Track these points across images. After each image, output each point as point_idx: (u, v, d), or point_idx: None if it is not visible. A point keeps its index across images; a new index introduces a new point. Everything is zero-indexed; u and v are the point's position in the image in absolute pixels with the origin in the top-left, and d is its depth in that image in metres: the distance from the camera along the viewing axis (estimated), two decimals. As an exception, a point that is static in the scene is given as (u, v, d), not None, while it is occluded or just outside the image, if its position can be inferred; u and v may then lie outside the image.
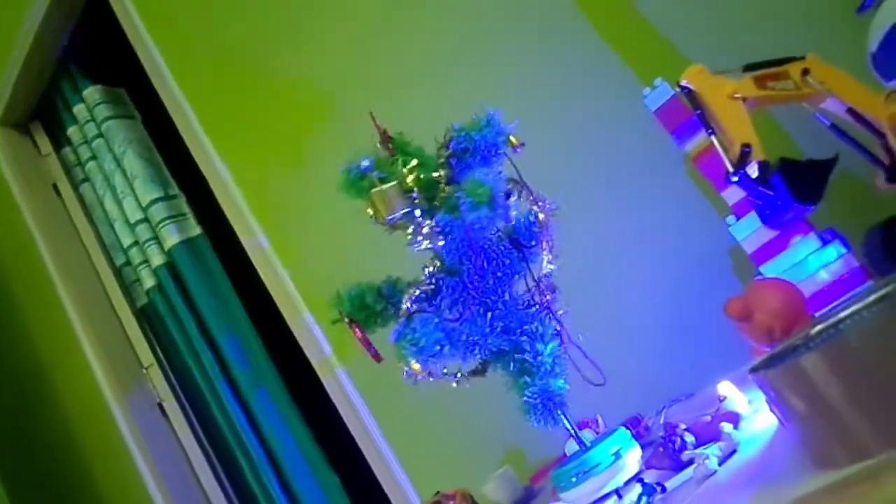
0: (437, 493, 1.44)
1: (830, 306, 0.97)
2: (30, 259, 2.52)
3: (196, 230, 2.42)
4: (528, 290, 1.04)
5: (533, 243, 1.06)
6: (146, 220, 2.44)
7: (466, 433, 1.71)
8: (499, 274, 1.05)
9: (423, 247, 0.97)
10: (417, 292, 1.02)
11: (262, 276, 2.00)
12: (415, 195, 0.97)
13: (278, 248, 1.97)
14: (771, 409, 0.69)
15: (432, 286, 1.02)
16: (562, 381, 1.01)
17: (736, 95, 0.91)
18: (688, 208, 1.33)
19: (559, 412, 1.01)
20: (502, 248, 1.05)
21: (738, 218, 1.10)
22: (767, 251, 1.07)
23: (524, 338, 1.03)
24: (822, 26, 1.17)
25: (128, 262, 2.55)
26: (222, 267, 2.39)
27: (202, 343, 2.34)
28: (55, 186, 2.67)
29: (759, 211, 0.91)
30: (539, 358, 1.00)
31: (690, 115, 1.12)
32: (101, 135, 2.52)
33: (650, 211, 1.36)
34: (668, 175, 1.33)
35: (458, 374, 1.06)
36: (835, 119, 0.94)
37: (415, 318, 1.00)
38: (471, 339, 1.01)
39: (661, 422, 1.14)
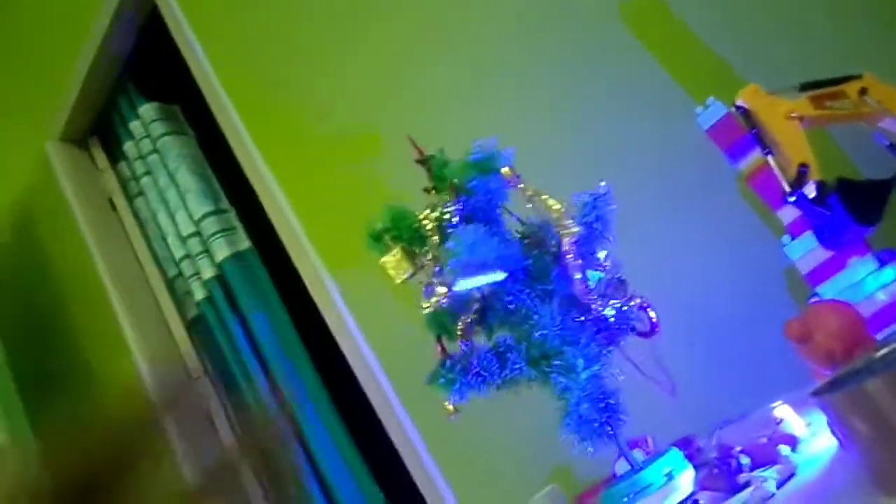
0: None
1: (890, 328, 0.95)
2: (85, 272, 2.60)
3: (246, 244, 2.47)
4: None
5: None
6: (198, 233, 2.50)
7: (512, 449, 1.71)
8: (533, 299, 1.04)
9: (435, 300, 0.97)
10: (466, 322, 1.04)
11: (311, 292, 2.03)
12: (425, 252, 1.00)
13: (328, 260, 2.00)
14: (832, 433, 0.68)
15: (477, 315, 1.04)
16: (594, 406, 1.00)
17: (792, 115, 0.91)
18: (741, 227, 1.32)
19: (609, 430, 1.01)
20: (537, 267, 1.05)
21: (794, 237, 1.08)
22: (823, 272, 1.06)
23: (556, 364, 1.02)
24: (878, 44, 1.16)
25: (179, 274, 2.61)
26: (270, 279, 2.43)
27: (249, 354, 2.38)
28: (111, 200, 2.75)
29: (816, 231, 0.90)
30: (573, 384, 0.99)
31: (743, 133, 1.11)
32: (155, 150, 2.60)
33: (703, 230, 1.36)
34: (720, 194, 1.33)
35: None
36: (893, 138, 0.93)
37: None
38: (504, 374, 1.02)
39: (714, 443, 1.13)
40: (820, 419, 0.88)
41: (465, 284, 0.93)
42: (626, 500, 0.96)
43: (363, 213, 1.89)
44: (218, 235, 2.45)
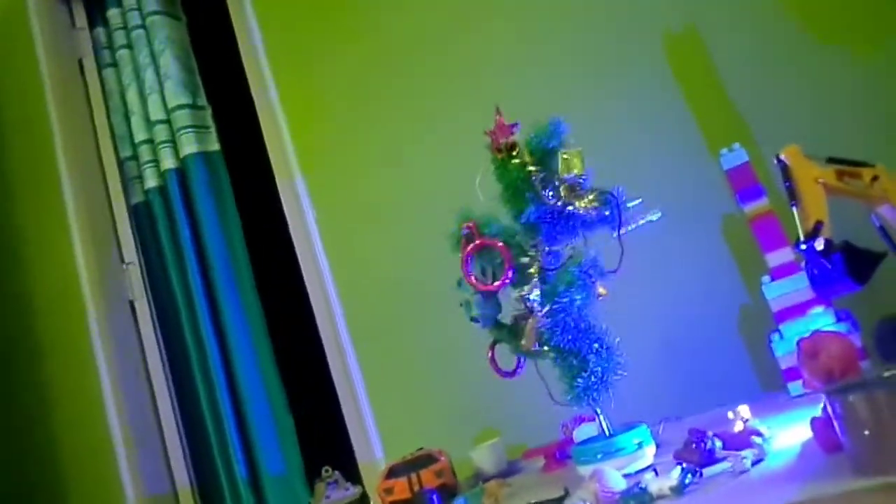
0: (421, 448, 1.57)
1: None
2: (38, 127, 2.49)
3: (215, 145, 2.46)
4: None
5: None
6: (168, 121, 2.45)
7: (448, 403, 1.85)
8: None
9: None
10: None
11: (284, 204, 2.09)
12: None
13: (308, 175, 2.07)
14: (811, 426, 0.87)
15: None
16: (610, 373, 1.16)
17: (820, 180, 1.10)
18: (717, 261, 1.52)
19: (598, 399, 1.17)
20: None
21: (773, 279, 1.29)
22: (789, 313, 1.27)
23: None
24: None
25: (133, 157, 2.55)
26: (232, 189, 2.44)
27: (191, 254, 2.37)
28: (80, 62, 2.64)
29: (811, 277, 1.09)
30: (595, 351, 1.15)
31: (756, 181, 1.31)
32: (143, 26, 2.52)
33: (688, 255, 1.54)
34: (708, 231, 1.53)
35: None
36: (885, 223, 1.14)
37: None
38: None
39: (660, 432, 1.31)
40: (777, 422, 1.07)
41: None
42: (599, 457, 1.12)
43: (368, 159, 1.98)
44: (189, 130, 2.42)
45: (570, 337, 1.10)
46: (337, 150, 2.07)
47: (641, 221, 1.13)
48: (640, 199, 1.16)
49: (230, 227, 2.40)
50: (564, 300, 1.08)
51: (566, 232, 1.15)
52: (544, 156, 1.14)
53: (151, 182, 2.49)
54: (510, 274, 1.14)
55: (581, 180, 1.11)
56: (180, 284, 2.38)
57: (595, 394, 1.13)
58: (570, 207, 1.10)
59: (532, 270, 1.15)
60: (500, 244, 1.16)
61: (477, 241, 1.17)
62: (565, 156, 1.10)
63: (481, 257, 1.20)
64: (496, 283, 1.15)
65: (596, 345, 1.14)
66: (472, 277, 1.18)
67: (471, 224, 1.18)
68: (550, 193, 1.11)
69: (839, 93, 1.44)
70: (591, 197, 1.11)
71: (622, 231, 1.13)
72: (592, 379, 1.13)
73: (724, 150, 1.34)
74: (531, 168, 1.13)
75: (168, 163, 2.44)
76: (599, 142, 1.65)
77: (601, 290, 1.13)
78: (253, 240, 2.40)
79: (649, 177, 1.59)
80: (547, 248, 1.16)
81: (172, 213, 2.42)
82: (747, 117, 1.50)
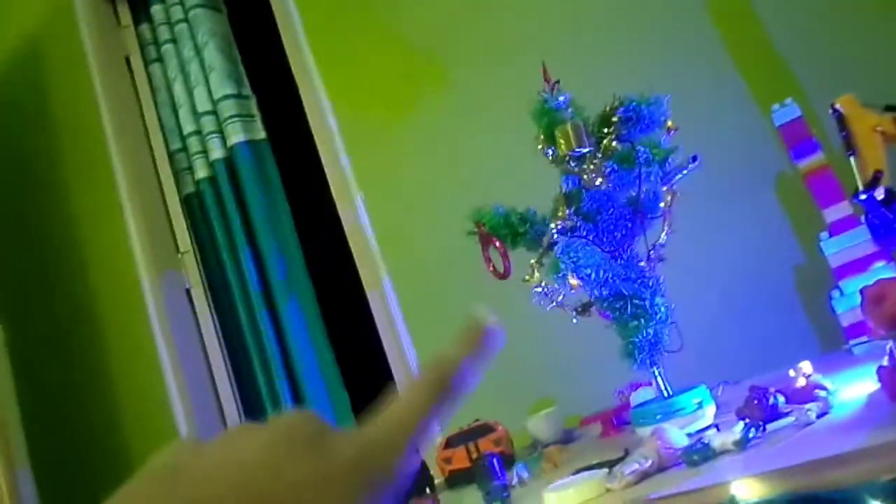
0: (477, 419, 1.59)
1: None
2: (90, 125, 2.57)
3: (261, 134, 2.50)
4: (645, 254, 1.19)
5: (658, 215, 1.21)
6: (214, 112, 2.50)
7: (502, 375, 1.86)
8: (623, 232, 1.19)
9: (593, 182, 1.09)
10: (561, 224, 1.16)
11: (332, 188, 2.12)
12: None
13: (357, 170, 2.09)
14: (880, 378, 0.85)
15: (573, 223, 1.16)
16: (664, 334, 1.16)
17: (878, 128, 1.07)
18: (770, 222, 1.49)
19: (657, 359, 1.16)
20: (627, 211, 1.19)
21: (832, 235, 1.26)
22: (849, 269, 1.24)
23: (642, 287, 1.17)
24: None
25: (183, 149, 2.61)
26: (280, 176, 2.48)
27: (244, 241, 2.43)
28: (127, 59, 2.71)
29: (872, 228, 1.07)
30: (654, 307, 1.14)
31: (810, 135, 1.28)
32: (185, 20, 2.57)
33: (741, 219, 1.52)
34: (762, 191, 1.50)
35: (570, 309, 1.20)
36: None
37: (576, 242, 1.13)
38: (605, 275, 1.14)
39: (719, 394, 1.30)
40: (841, 379, 1.06)
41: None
42: (659, 417, 1.12)
43: (408, 142, 2.00)
44: (235, 119, 2.47)
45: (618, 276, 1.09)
46: (382, 134, 2.08)
47: (684, 172, 1.11)
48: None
49: (279, 213, 2.45)
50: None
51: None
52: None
53: (201, 173, 2.55)
54: (508, 266, 1.15)
55: (583, 152, 1.08)
56: (234, 271, 2.44)
57: (652, 353, 1.12)
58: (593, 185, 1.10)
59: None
60: (497, 242, 1.16)
61: (484, 238, 1.19)
62: (558, 133, 1.08)
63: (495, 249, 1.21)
64: (501, 272, 1.17)
65: (658, 298, 1.13)
66: (491, 267, 1.20)
67: (480, 226, 1.19)
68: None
69: (892, 40, 1.39)
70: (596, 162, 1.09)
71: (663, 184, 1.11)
72: (649, 335, 1.12)
73: (776, 106, 1.32)
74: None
75: (217, 153, 2.49)
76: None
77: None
78: (302, 226, 2.45)
79: (698, 137, 1.57)
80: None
81: (223, 202, 2.48)
82: (797, 71, 1.47)
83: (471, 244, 1.65)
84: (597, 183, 1.09)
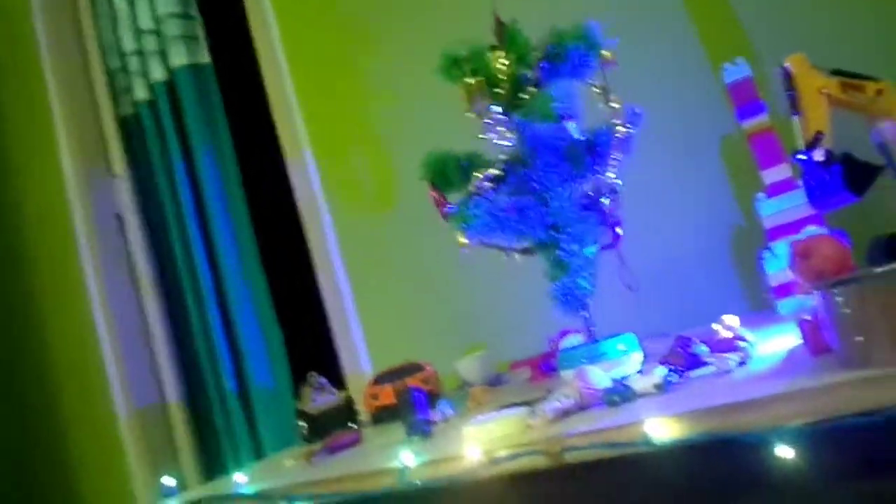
0: (405, 360, 1.58)
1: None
2: (23, 37, 2.42)
3: (206, 58, 2.40)
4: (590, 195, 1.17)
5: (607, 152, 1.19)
6: (157, 32, 2.39)
7: (436, 318, 1.86)
8: (560, 175, 1.17)
9: (494, 139, 1.08)
10: (487, 173, 1.14)
11: (277, 121, 2.05)
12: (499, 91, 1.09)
13: (303, 98, 2.02)
14: (799, 327, 0.87)
15: (502, 172, 1.14)
16: (586, 282, 1.15)
17: (823, 90, 1.07)
18: (712, 181, 1.50)
19: (581, 308, 1.17)
20: (574, 151, 1.17)
21: (769, 197, 1.27)
22: (783, 231, 1.26)
23: (566, 237, 1.16)
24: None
25: (123, 69, 2.49)
26: (222, 103, 2.39)
27: (181, 169, 2.34)
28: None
29: (809, 190, 1.08)
30: (574, 258, 1.14)
31: (757, 96, 1.28)
32: (129, -71, 2.43)
33: (684, 177, 1.53)
34: (704, 145, 1.50)
35: (508, 251, 1.19)
36: (885, 139, 1.12)
37: (472, 200, 1.12)
38: (519, 227, 1.14)
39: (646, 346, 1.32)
40: (764, 334, 1.08)
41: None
42: (584, 361, 1.12)
43: (350, 53, 1.93)
44: (179, 40, 2.36)
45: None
46: (333, 68, 2.02)
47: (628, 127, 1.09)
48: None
49: (220, 142, 2.36)
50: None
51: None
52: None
53: (141, 94, 2.43)
54: (444, 211, 1.14)
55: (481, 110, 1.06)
56: (170, 198, 2.36)
57: (578, 300, 1.12)
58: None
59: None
60: (433, 193, 1.15)
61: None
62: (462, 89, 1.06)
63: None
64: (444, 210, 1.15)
65: (576, 245, 1.13)
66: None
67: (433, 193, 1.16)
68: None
69: (847, 8, 1.40)
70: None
71: None
72: (573, 283, 1.12)
73: (727, 64, 1.31)
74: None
75: (157, 74, 2.38)
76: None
77: None
78: (244, 155, 2.37)
79: (646, 93, 1.56)
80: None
81: (162, 127, 2.38)
82: (750, 32, 1.46)
83: (414, 182, 1.61)
84: (505, 142, 1.07)
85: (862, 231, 1.23)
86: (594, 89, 1.10)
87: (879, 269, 0.75)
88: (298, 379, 2.14)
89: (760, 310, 1.36)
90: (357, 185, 1.98)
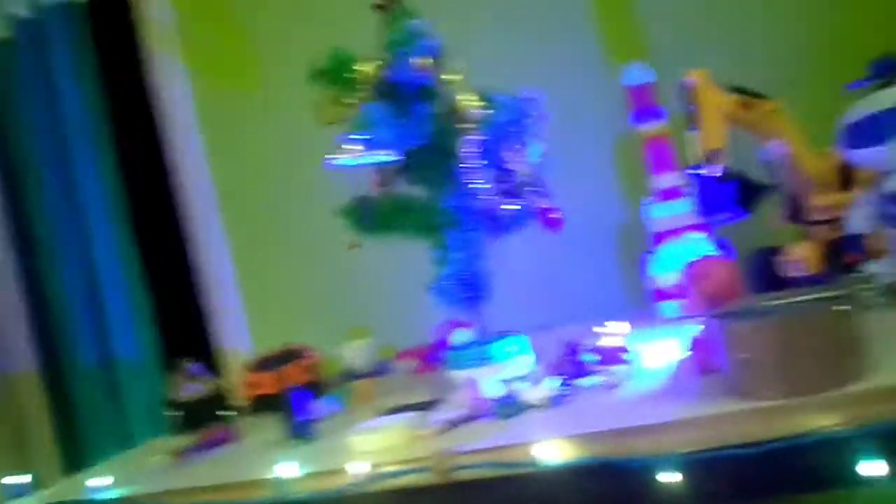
0: (286, 344, 1.52)
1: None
2: None
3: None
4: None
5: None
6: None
7: (320, 299, 1.79)
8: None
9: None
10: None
11: (158, 76, 1.90)
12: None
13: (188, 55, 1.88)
14: (688, 347, 0.89)
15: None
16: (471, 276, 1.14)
17: (723, 108, 1.09)
18: (601, 179, 1.53)
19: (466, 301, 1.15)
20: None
21: (658, 201, 1.30)
22: (666, 235, 1.29)
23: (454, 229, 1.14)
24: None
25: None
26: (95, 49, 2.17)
27: (44, 118, 2.12)
28: None
29: (701, 201, 1.10)
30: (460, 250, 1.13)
31: (654, 103, 1.30)
32: None
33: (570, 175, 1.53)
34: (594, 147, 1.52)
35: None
36: (772, 158, 1.16)
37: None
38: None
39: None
40: (644, 340, 1.09)
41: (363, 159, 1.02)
42: (474, 363, 1.11)
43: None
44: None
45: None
46: (222, 29, 1.87)
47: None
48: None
49: (90, 93, 2.15)
50: None
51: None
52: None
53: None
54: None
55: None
56: (28, 144, 2.13)
57: (464, 295, 1.11)
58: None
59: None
60: None
61: None
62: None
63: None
64: None
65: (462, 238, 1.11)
66: None
67: None
68: None
69: (752, 25, 1.43)
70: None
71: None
72: (456, 278, 1.11)
73: (632, 66, 1.31)
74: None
75: (18, 8, 2.13)
76: (487, 43, 1.58)
77: None
78: (118, 110, 2.16)
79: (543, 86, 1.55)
80: None
81: (22, 70, 2.14)
82: (653, 37, 1.48)
83: (304, 157, 1.51)
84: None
85: (741, 243, 1.29)
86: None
87: (772, 303, 0.77)
88: (172, 352, 2.01)
89: (641, 308, 1.39)
90: (244, 152, 1.87)
